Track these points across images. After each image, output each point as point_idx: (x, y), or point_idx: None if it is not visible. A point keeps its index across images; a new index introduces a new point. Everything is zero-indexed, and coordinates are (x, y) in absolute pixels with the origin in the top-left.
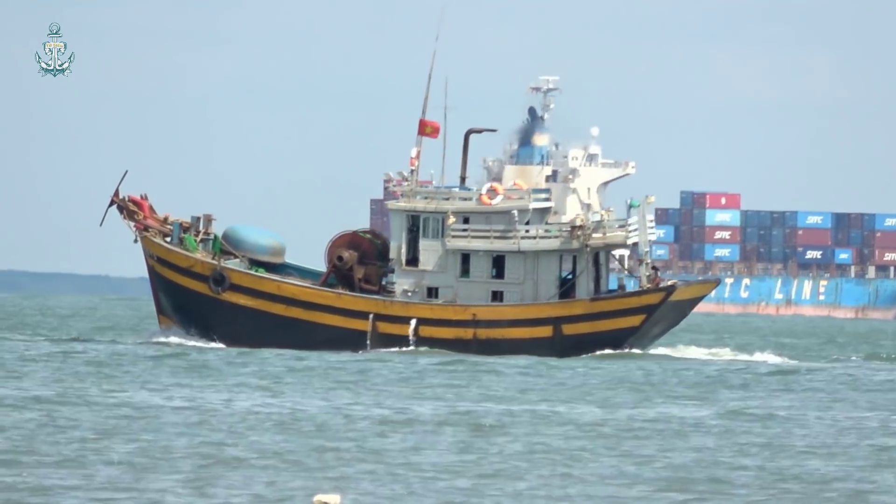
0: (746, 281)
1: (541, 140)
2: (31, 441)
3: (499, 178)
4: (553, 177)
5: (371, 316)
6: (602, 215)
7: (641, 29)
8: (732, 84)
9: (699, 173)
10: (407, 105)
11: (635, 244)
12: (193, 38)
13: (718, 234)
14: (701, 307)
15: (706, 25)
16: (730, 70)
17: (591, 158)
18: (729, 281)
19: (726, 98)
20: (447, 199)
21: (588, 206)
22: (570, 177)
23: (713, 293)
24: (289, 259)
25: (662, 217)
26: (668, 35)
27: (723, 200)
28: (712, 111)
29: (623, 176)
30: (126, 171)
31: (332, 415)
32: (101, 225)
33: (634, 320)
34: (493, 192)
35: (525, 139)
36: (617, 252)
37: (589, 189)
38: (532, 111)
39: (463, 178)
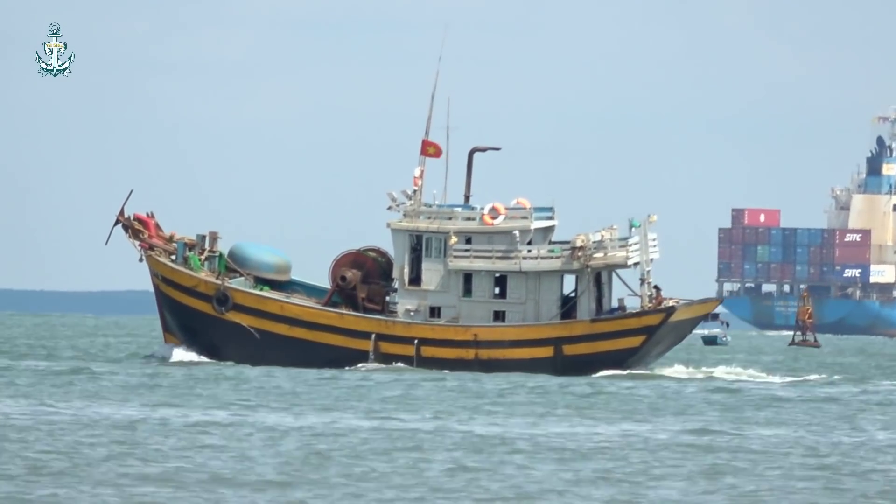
0: None
1: (889, 170)
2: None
3: (846, 208)
4: None
5: (373, 336)
6: (603, 235)
7: None
8: None
9: None
10: (411, 125)
11: (636, 264)
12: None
13: None
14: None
15: None
16: None
17: None
18: None
19: None
20: (450, 218)
21: None
22: None
23: None
24: (297, 276)
25: None
26: None
27: None
28: None
29: None
30: (131, 191)
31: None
32: (106, 244)
33: (635, 341)
34: (495, 212)
35: (874, 168)
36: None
37: None
38: (880, 141)
39: (467, 197)
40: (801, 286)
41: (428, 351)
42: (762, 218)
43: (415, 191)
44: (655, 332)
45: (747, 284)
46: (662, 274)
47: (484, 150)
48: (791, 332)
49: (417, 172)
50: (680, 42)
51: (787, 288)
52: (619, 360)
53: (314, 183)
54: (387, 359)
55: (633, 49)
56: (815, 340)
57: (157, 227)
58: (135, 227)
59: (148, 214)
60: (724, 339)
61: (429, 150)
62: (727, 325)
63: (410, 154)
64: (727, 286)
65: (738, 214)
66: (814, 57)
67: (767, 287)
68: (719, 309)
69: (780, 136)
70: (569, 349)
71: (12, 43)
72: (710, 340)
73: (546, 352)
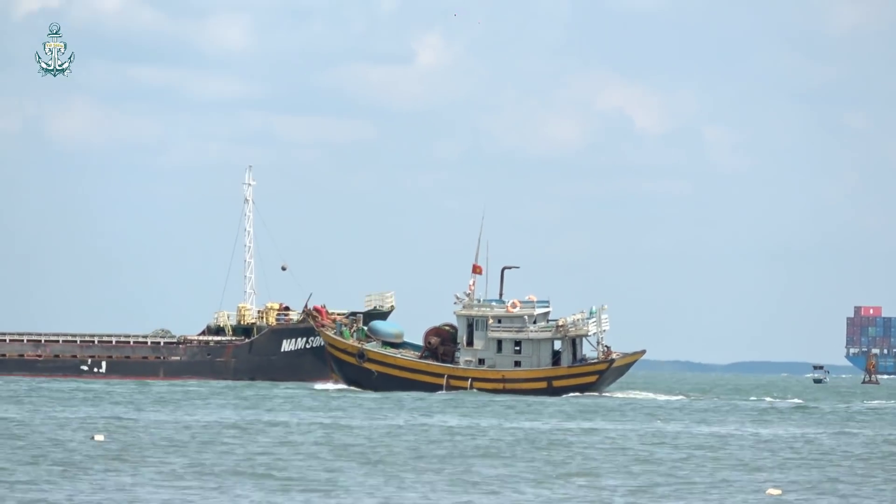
0: None
1: None
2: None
3: None
4: None
5: (446, 376)
6: (576, 317)
7: None
8: None
9: None
10: (468, 255)
11: (595, 334)
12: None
13: None
14: None
15: None
16: None
17: None
18: None
19: None
20: (489, 308)
21: None
22: None
23: None
24: (408, 339)
25: None
26: None
27: None
28: None
29: None
30: (311, 294)
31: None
32: (299, 321)
33: (592, 378)
34: (514, 305)
35: None
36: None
37: None
38: None
39: (500, 295)
40: (873, 350)
41: (477, 384)
42: (871, 311)
43: (468, 293)
44: (604, 373)
45: (863, 349)
46: (820, 344)
47: (510, 267)
48: (885, 376)
49: (471, 282)
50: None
51: (885, 351)
52: (583, 389)
53: (416, 286)
54: (453, 389)
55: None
56: (877, 380)
57: (327, 312)
58: (313, 315)
59: (322, 306)
60: (825, 380)
61: (477, 270)
62: (828, 372)
63: (466, 269)
64: (852, 349)
65: (857, 309)
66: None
67: (875, 350)
68: (823, 362)
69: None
70: (556, 382)
71: (12, 43)
72: (817, 381)
73: (543, 384)
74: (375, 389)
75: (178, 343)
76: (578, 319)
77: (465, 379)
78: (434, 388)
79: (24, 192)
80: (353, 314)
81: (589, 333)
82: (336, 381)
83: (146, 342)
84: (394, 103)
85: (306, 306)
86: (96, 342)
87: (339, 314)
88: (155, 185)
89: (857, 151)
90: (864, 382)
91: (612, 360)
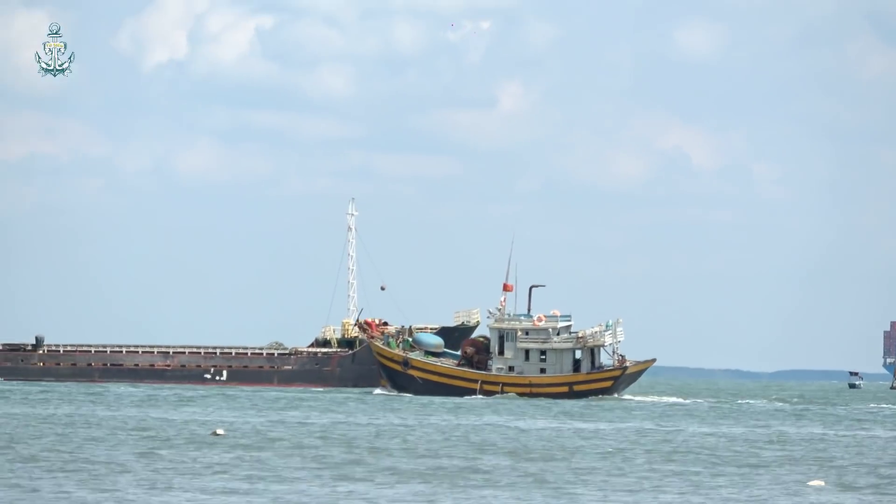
0: None
1: None
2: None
3: None
4: None
5: (480, 381)
6: (594, 329)
7: None
8: None
9: None
10: (498, 274)
11: (611, 344)
12: None
13: None
14: None
15: None
16: None
17: None
18: None
19: None
20: (518, 322)
21: None
22: None
23: None
24: (448, 349)
25: None
26: None
27: None
28: None
29: None
30: (361, 309)
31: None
32: (352, 333)
33: (608, 383)
34: (540, 319)
35: None
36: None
37: None
38: None
39: (528, 310)
40: None
41: (507, 388)
42: None
43: (499, 308)
44: (618, 379)
45: None
46: (859, 354)
47: (537, 286)
48: None
49: (502, 298)
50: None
51: None
52: (600, 392)
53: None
54: (486, 393)
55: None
56: None
57: (376, 326)
58: (364, 328)
59: (373, 319)
60: (859, 385)
61: (507, 288)
62: (861, 378)
63: (497, 287)
64: (888, 359)
65: (893, 323)
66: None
67: None
68: (862, 370)
69: None
70: (576, 387)
71: (12, 43)
72: (852, 385)
73: (565, 389)
74: (418, 393)
75: (290, 354)
76: (596, 332)
77: (497, 384)
78: (469, 392)
79: (156, 221)
80: (402, 328)
81: (605, 344)
82: (385, 387)
83: (262, 353)
84: (478, 143)
85: (358, 320)
86: (218, 353)
87: (430, 328)
88: (269, 215)
89: (885, 184)
90: (892, 388)
91: (626, 368)
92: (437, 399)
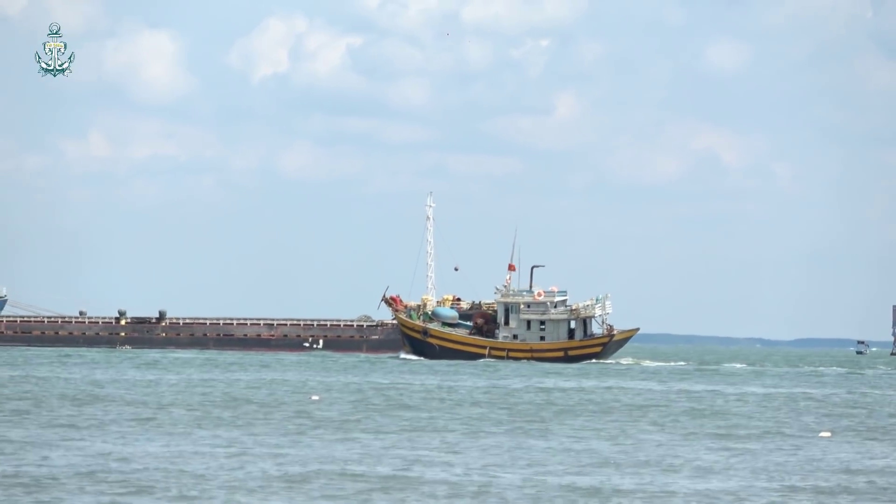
0: None
1: None
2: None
3: None
4: None
5: (488, 348)
6: (586, 303)
7: None
8: None
9: None
10: (504, 255)
11: (599, 315)
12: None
13: None
14: None
15: None
16: None
17: None
18: None
19: None
20: (520, 296)
21: None
22: None
23: None
24: (462, 320)
25: None
26: None
27: None
28: None
29: None
30: (387, 287)
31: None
32: (377, 308)
33: (598, 348)
34: (539, 294)
35: None
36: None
37: None
38: None
39: (530, 286)
40: None
41: (512, 354)
42: None
43: (505, 285)
44: (607, 345)
45: None
46: (870, 325)
47: (538, 266)
48: None
49: (507, 277)
50: None
51: None
52: (591, 357)
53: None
54: (494, 358)
55: None
56: None
57: (400, 301)
58: (389, 302)
59: (396, 296)
60: (866, 352)
61: (511, 267)
62: (867, 345)
63: (503, 267)
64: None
65: None
66: None
67: None
68: (864, 337)
69: None
70: (570, 352)
71: (12, 43)
72: (859, 352)
73: (561, 354)
74: (435, 358)
75: (377, 325)
76: (588, 305)
77: (503, 350)
78: (480, 356)
79: (261, 213)
80: (421, 304)
81: (595, 315)
82: (407, 352)
83: (353, 325)
84: (537, 145)
85: (384, 296)
86: (315, 325)
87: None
88: (358, 208)
89: (888, 180)
90: (891, 354)
91: (613, 336)
92: (464, 364)
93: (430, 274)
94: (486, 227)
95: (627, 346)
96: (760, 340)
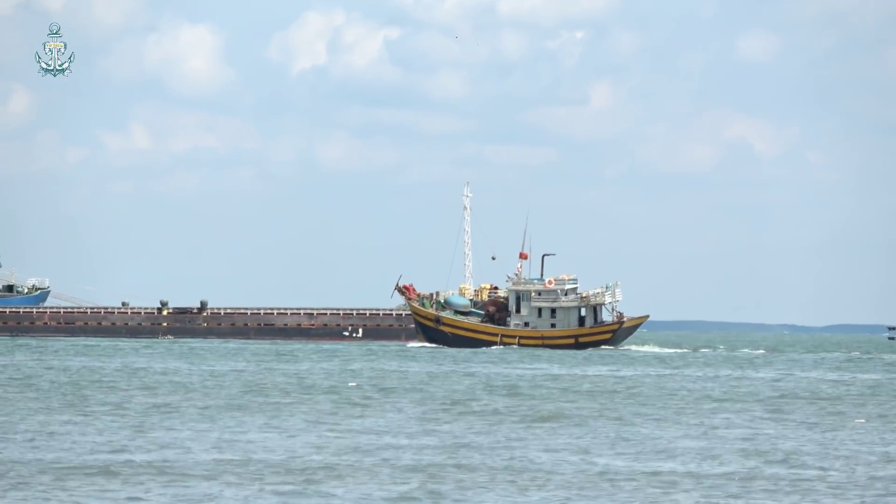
0: None
1: None
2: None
3: None
4: None
5: (500, 335)
6: (597, 290)
7: None
8: None
9: None
10: (515, 245)
11: (610, 302)
12: None
13: None
14: None
15: None
16: None
17: None
18: None
19: None
20: (531, 284)
21: None
22: None
23: None
24: (474, 309)
25: None
26: None
27: None
28: None
29: None
30: (401, 275)
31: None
32: (391, 297)
33: (608, 335)
34: (550, 282)
35: None
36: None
37: None
38: None
39: (541, 274)
40: None
41: (523, 341)
42: None
43: (517, 273)
44: (616, 332)
45: None
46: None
47: (548, 254)
48: None
49: (519, 265)
50: None
51: None
52: (602, 343)
53: (593, 270)
54: (505, 345)
55: None
56: None
57: (414, 290)
58: (402, 290)
59: (409, 285)
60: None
61: (523, 256)
62: None
63: (514, 255)
64: None
65: None
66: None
67: None
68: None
69: None
70: (581, 339)
71: (13, 43)
72: (891, 338)
73: (571, 341)
74: (449, 346)
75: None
76: (598, 292)
77: (514, 337)
78: (491, 344)
79: (300, 203)
80: (433, 294)
81: (605, 302)
82: (420, 340)
83: (391, 314)
84: (573, 135)
85: (398, 284)
86: (355, 314)
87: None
88: (396, 198)
89: None
90: None
91: (622, 322)
92: (480, 351)
93: (467, 263)
94: (522, 216)
95: (669, 332)
96: (791, 327)
